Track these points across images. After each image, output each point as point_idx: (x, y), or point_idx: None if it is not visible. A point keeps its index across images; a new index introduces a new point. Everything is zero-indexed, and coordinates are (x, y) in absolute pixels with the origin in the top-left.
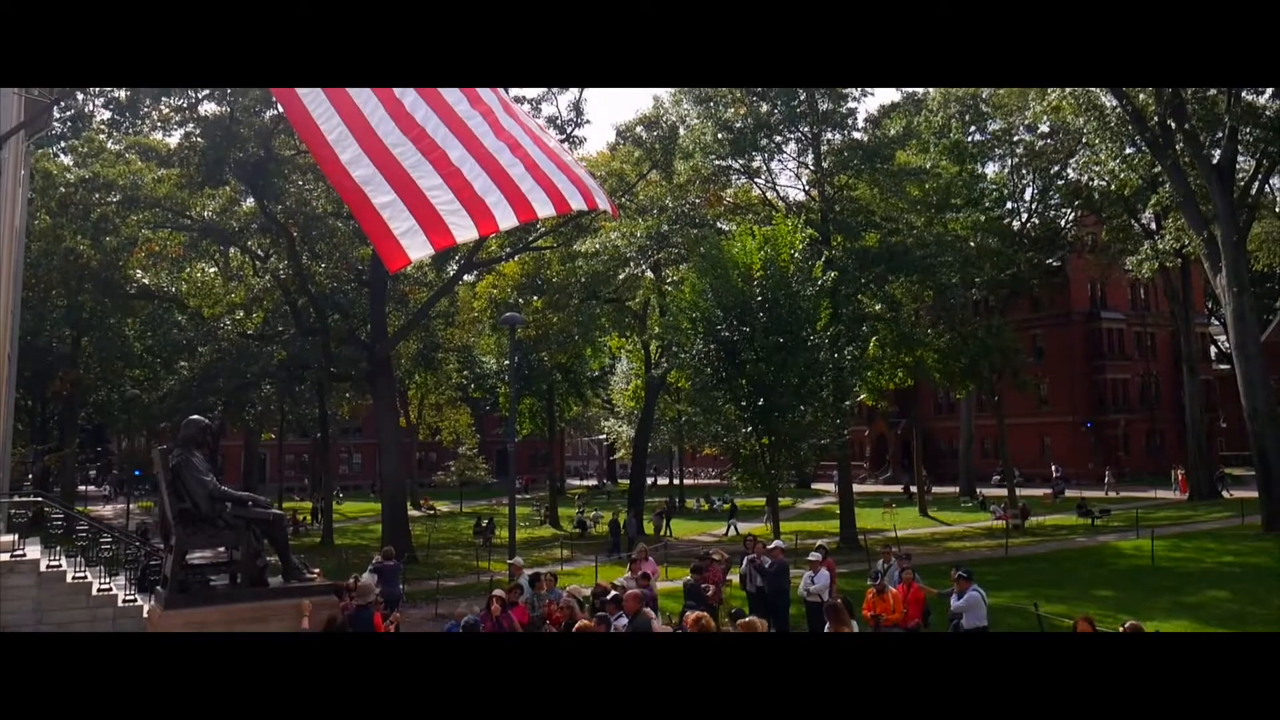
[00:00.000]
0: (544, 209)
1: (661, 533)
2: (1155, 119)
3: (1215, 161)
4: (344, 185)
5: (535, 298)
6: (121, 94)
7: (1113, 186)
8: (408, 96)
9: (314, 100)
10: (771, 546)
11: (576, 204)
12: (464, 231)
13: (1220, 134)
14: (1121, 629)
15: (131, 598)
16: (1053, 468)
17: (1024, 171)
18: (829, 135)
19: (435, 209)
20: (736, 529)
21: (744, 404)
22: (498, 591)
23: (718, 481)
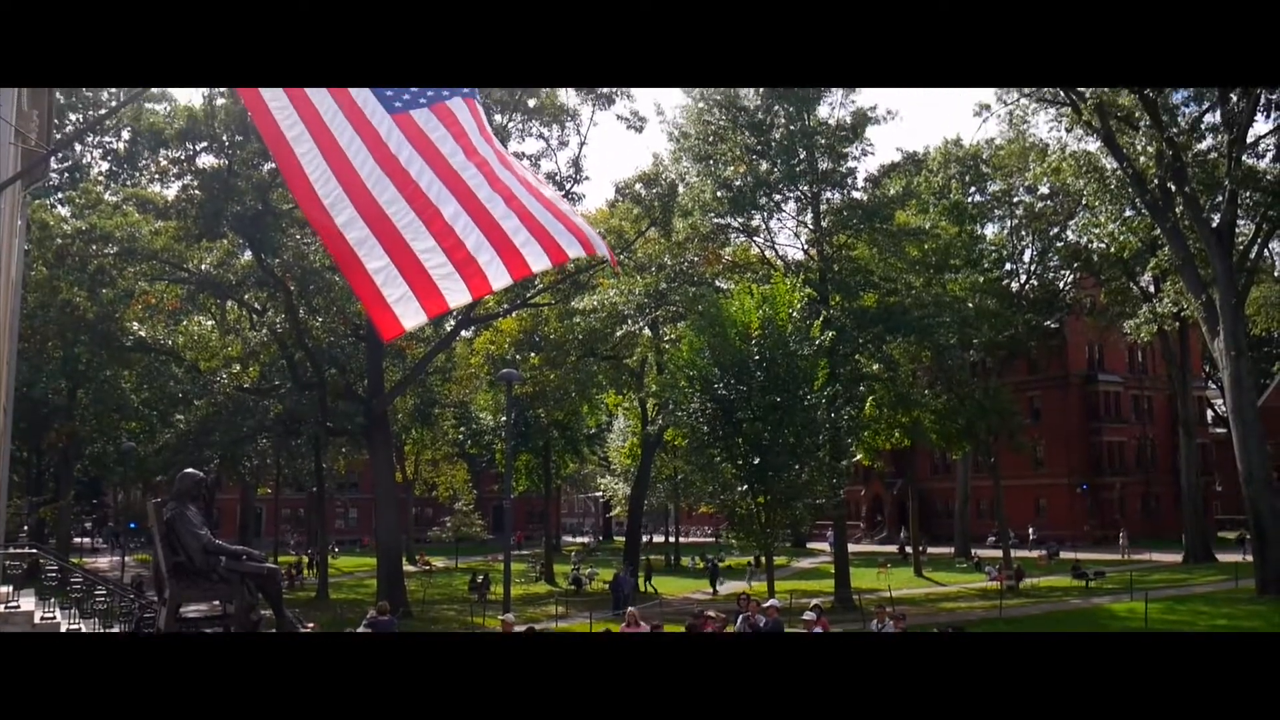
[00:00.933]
0: (539, 262)
1: (644, 588)
2: (1155, 181)
3: (1215, 225)
4: (339, 250)
5: (533, 354)
6: (120, 145)
7: (1112, 249)
8: (404, 150)
9: (310, 158)
10: (767, 605)
11: (574, 252)
12: (457, 296)
13: (1220, 197)
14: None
15: None
16: (1029, 530)
17: (1023, 233)
18: (828, 194)
19: (428, 273)
20: (715, 588)
21: (740, 462)
22: None
23: (712, 540)
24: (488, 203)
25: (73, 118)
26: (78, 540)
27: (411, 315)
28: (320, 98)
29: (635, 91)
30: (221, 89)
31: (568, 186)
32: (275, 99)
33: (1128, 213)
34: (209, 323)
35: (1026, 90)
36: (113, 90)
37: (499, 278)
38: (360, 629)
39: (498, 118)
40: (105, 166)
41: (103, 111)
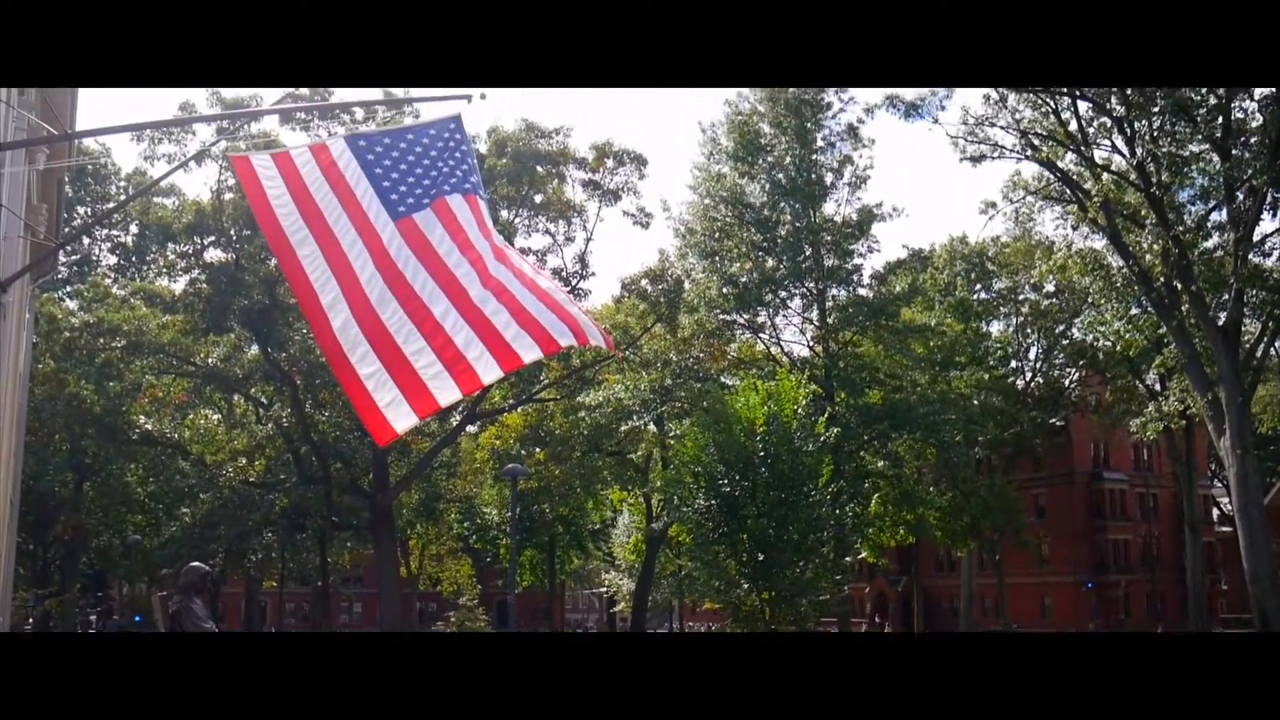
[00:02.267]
0: (529, 353)
1: None
2: (1161, 279)
3: (1221, 323)
4: (333, 355)
5: (538, 449)
6: (128, 239)
7: (1117, 347)
8: (402, 255)
9: (312, 259)
10: None
11: (565, 341)
12: (446, 394)
13: (1226, 295)
14: None
15: None
16: (1014, 627)
17: (1029, 330)
18: (834, 291)
19: (418, 374)
20: None
21: (744, 559)
22: None
23: None
24: (478, 300)
25: (81, 211)
26: (83, 633)
27: (403, 418)
28: (322, 191)
29: (641, 185)
30: (230, 185)
31: (574, 282)
32: (273, 186)
33: (1133, 310)
34: (215, 416)
35: (1032, 188)
36: (122, 183)
37: (489, 372)
38: None
39: (504, 213)
40: (113, 260)
41: (111, 205)
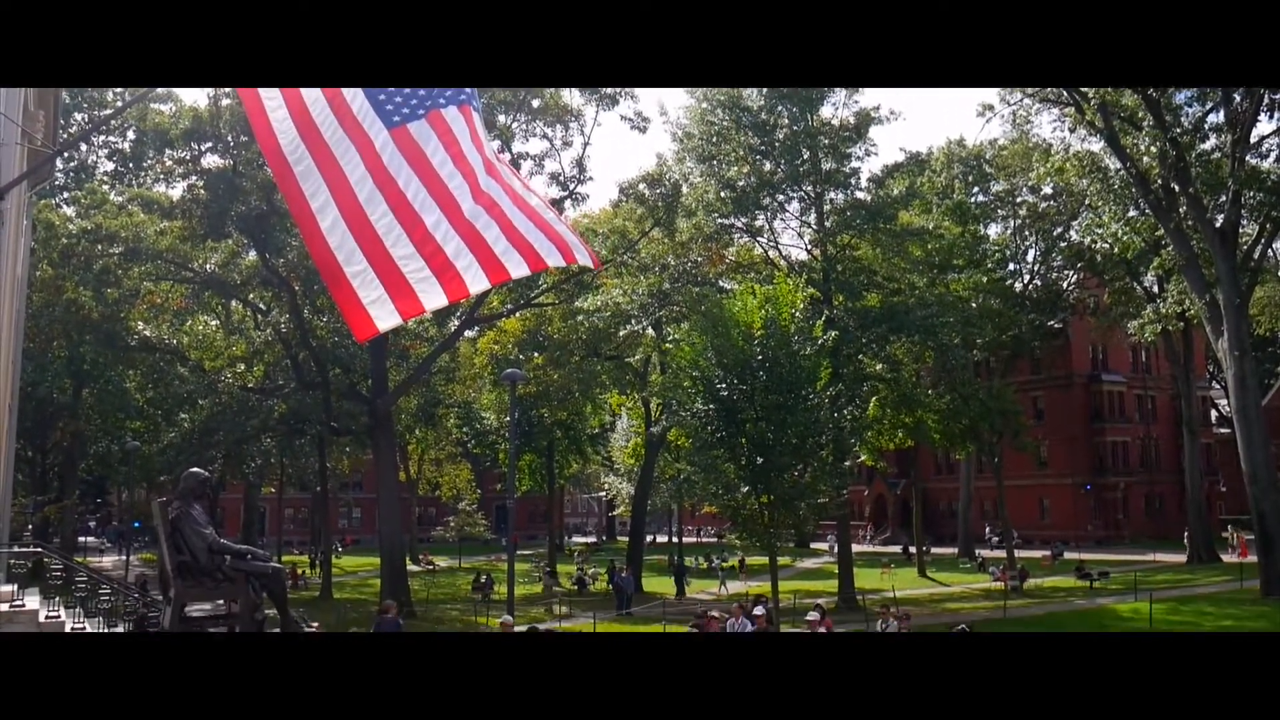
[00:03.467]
0: (517, 269)
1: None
2: (1159, 182)
3: (1218, 225)
4: (319, 252)
5: (536, 354)
6: (125, 145)
7: (1115, 249)
8: (395, 164)
9: (303, 165)
10: (756, 613)
11: (553, 260)
12: (433, 299)
13: (1224, 197)
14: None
15: None
16: (986, 528)
17: (1026, 233)
18: (832, 195)
19: (405, 277)
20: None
21: (743, 463)
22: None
23: (714, 540)
24: (469, 214)
25: (78, 118)
26: (82, 539)
27: (386, 317)
28: (319, 108)
29: (639, 91)
30: (226, 89)
31: (571, 187)
32: (275, 106)
33: (1131, 213)
34: (214, 322)
35: (1030, 90)
36: (118, 90)
37: (476, 282)
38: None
39: (501, 118)
40: (110, 167)
41: (108, 111)
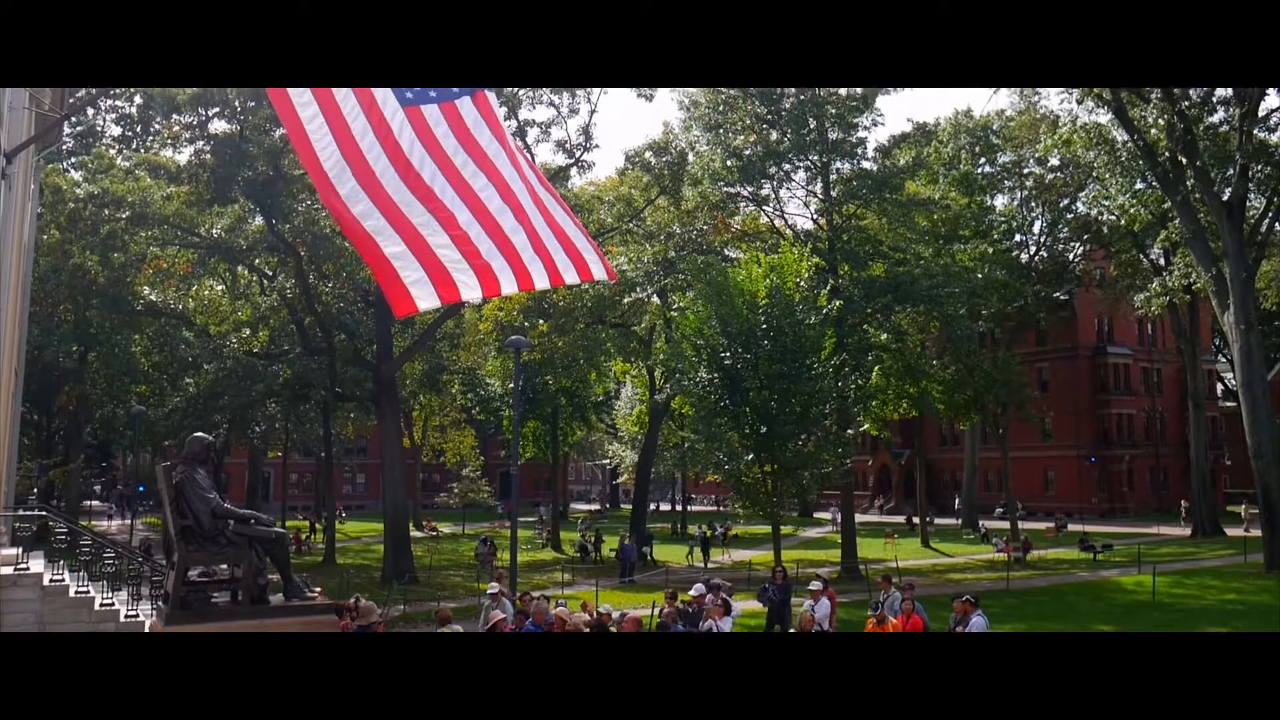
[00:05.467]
0: (541, 281)
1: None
2: (1166, 154)
3: (1225, 198)
4: (355, 233)
5: (541, 321)
6: (133, 109)
7: (1122, 221)
8: (414, 149)
9: (327, 151)
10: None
11: (570, 278)
12: (470, 291)
13: (1231, 170)
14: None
15: (133, 613)
16: (956, 500)
17: (1033, 204)
18: (838, 164)
19: (444, 265)
20: (705, 556)
21: (747, 431)
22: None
23: (715, 509)
24: (498, 215)
25: None
26: (87, 503)
27: (426, 298)
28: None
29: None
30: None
31: (578, 154)
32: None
33: (1138, 185)
34: (219, 287)
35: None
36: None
37: (508, 284)
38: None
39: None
40: (118, 131)
41: None
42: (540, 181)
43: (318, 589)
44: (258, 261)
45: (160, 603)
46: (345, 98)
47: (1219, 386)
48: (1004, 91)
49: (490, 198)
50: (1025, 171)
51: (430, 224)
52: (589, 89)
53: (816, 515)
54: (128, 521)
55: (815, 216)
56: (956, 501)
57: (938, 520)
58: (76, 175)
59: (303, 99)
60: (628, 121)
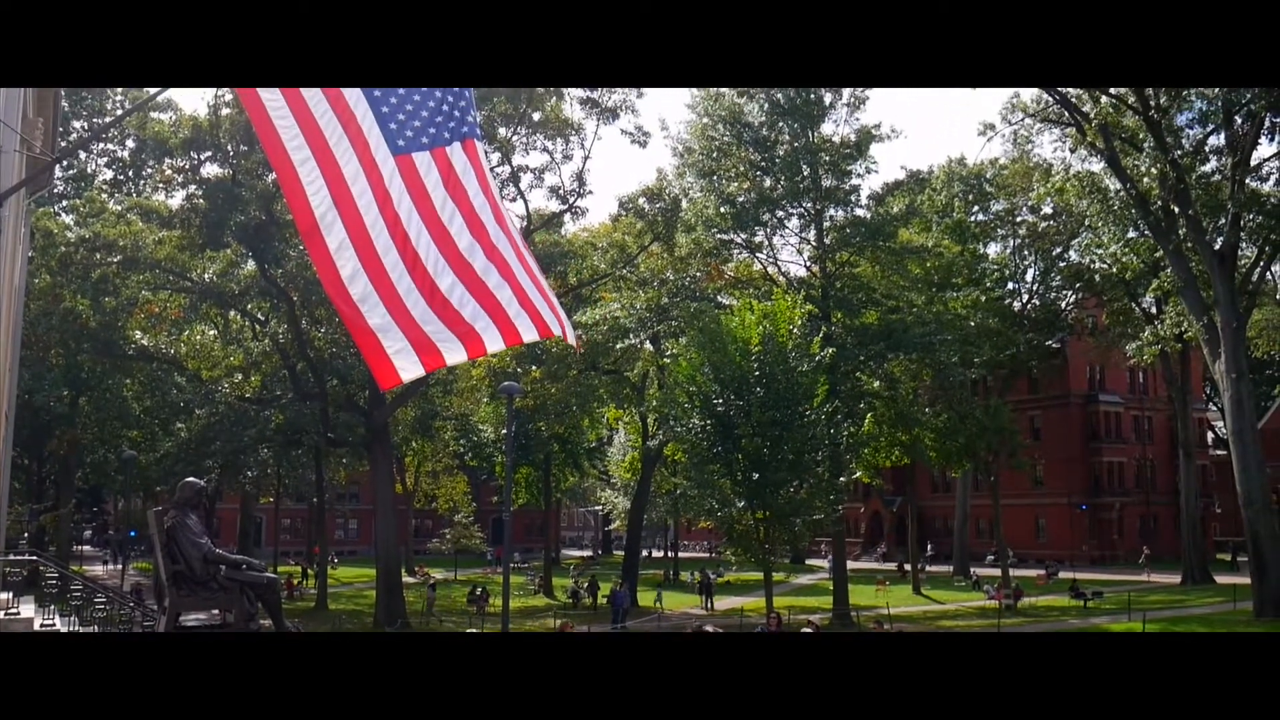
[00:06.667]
0: (529, 334)
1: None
2: (1158, 203)
3: (1217, 247)
4: (341, 300)
5: (534, 367)
6: (124, 153)
7: (1114, 270)
8: (404, 202)
9: (313, 183)
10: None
11: (555, 331)
12: (454, 354)
13: (1223, 220)
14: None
15: None
16: (927, 547)
17: (1026, 252)
18: (832, 211)
19: (427, 335)
20: (709, 600)
21: (739, 478)
22: None
23: (708, 555)
24: (483, 274)
25: (78, 125)
26: (78, 548)
27: (410, 368)
28: (330, 126)
29: (639, 104)
30: (227, 100)
31: (571, 200)
32: (288, 129)
33: (1131, 234)
34: (211, 332)
35: (1031, 110)
36: (118, 98)
37: (493, 342)
38: None
39: (501, 131)
40: (110, 175)
41: (108, 119)
42: (522, 240)
43: None
44: (250, 306)
45: None
46: (339, 142)
47: (1209, 434)
48: (997, 139)
49: (475, 256)
50: (1018, 219)
51: (414, 293)
52: (581, 136)
53: (809, 562)
54: (119, 566)
55: (808, 264)
56: (928, 547)
57: (929, 567)
58: (68, 219)
59: (295, 142)
60: (621, 167)
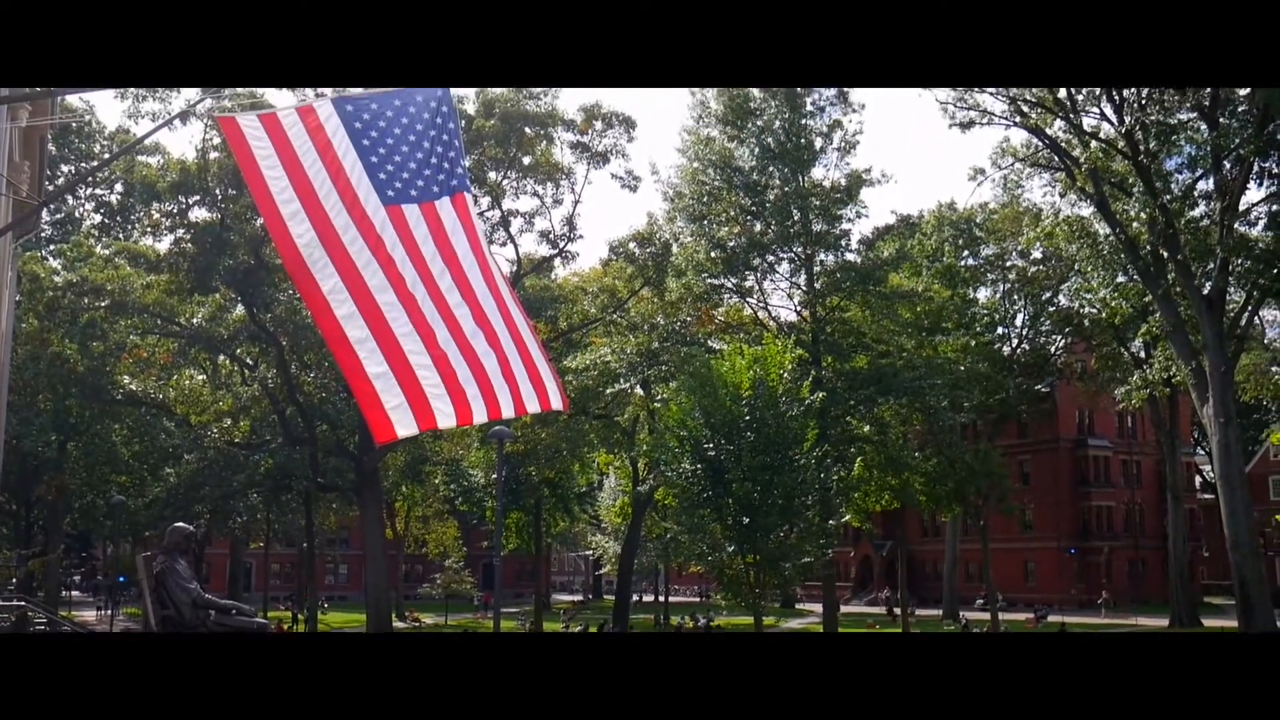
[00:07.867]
0: (508, 410)
1: None
2: (1147, 248)
3: (1206, 292)
4: (337, 341)
5: None
6: (112, 197)
7: (1103, 314)
8: (397, 251)
9: (303, 234)
10: None
11: (532, 407)
12: (446, 419)
13: (1212, 265)
14: None
15: None
16: (893, 591)
17: (1015, 297)
18: (822, 256)
19: (423, 390)
20: None
21: (729, 522)
22: None
23: (699, 600)
24: (472, 338)
25: (65, 169)
26: (66, 594)
27: (405, 425)
28: (314, 167)
29: (630, 149)
30: (215, 144)
31: (562, 244)
32: (270, 165)
33: (1120, 279)
34: (200, 377)
35: (1021, 154)
36: (105, 142)
37: (479, 413)
38: None
39: (492, 175)
40: (97, 219)
41: (95, 164)
42: (510, 292)
43: None
44: (239, 351)
45: None
46: (328, 194)
47: (1197, 478)
48: (987, 184)
49: (465, 318)
50: (1008, 264)
51: (412, 336)
52: (572, 180)
53: (799, 607)
54: (108, 612)
55: (799, 308)
56: (895, 591)
57: (919, 611)
58: (55, 263)
59: (285, 195)
60: (612, 212)
